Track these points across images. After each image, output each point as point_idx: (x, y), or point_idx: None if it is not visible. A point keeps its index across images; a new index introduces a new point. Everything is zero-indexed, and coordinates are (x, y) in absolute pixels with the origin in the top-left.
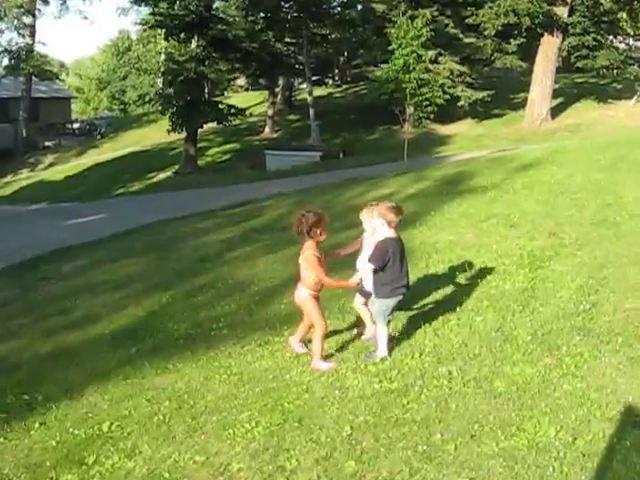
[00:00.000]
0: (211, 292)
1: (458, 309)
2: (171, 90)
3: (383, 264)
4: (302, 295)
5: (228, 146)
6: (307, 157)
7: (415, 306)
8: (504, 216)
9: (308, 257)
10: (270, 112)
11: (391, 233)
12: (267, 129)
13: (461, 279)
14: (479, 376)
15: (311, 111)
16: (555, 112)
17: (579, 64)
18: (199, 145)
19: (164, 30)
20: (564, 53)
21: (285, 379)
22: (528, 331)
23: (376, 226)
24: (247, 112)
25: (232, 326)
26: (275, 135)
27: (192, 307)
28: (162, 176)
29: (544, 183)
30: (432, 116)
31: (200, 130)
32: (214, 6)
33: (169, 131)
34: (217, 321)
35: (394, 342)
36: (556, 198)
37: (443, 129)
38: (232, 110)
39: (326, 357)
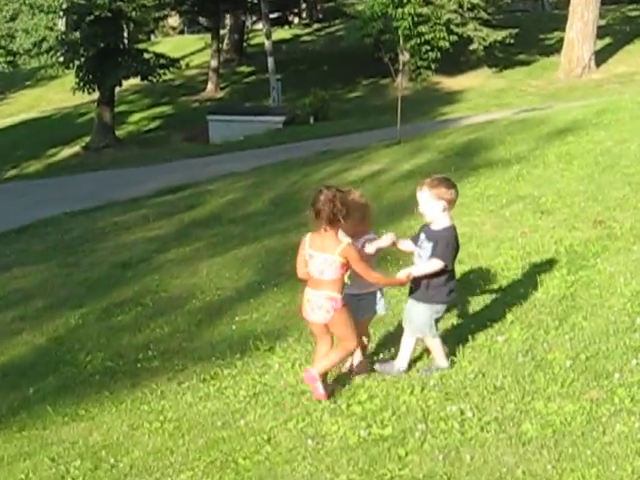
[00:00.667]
0: (137, 310)
1: (473, 326)
2: (77, 34)
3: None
4: (330, 306)
5: (157, 110)
6: (265, 124)
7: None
8: (533, 199)
9: (348, 250)
10: (214, 63)
11: (450, 219)
12: (210, 86)
13: (477, 286)
14: (502, 416)
15: (270, 61)
16: (601, 57)
17: None
18: (117, 109)
19: None
20: None
21: (239, 426)
22: (568, 354)
23: (434, 211)
24: (182, 63)
25: (166, 355)
26: (221, 95)
27: (111, 331)
28: (68, 152)
29: (587, 154)
30: (435, 65)
31: (118, 89)
32: None
33: (75, 90)
34: (145, 349)
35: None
36: (603, 174)
37: (450, 83)
38: (162, 61)
39: (302, 392)
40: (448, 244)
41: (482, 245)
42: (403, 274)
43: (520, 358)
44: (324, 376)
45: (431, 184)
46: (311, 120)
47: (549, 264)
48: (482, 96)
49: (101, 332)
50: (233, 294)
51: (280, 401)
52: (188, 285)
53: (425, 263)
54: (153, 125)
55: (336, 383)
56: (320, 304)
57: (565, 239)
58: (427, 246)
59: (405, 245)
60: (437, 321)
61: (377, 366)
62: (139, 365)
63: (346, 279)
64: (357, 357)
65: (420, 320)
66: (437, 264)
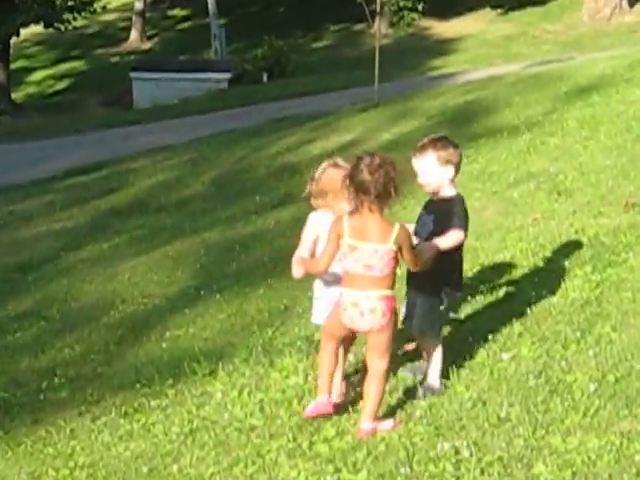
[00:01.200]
0: (39, 325)
1: (471, 340)
2: None
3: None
4: (386, 308)
5: (66, 66)
6: (206, 83)
7: (400, 337)
8: (548, 176)
9: (403, 235)
10: (139, 5)
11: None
12: (134, 35)
13: (476, 288)
14: (508, 455)
15: (210, 1)
16: None
17: None
18: (13, 66)
19: None
20: None
21: (171, 473)
22: (592, 375)
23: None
24: (97, 5)
25: (77, 383)
26: (148, 45)
27: (6, 352)
28: None
29: (617, 118)
30: (423, 5)
31: (15, 40)
32: None
33: None
34: (50, 375)
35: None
36: (638, 143)
37: (443, 28)
38: (70, 2)
39: (252, 428)
40: (463, 214)
41: (483, 236)
42: (427, 247)
43: (531, 381)
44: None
45: (435, 146)
46: (264, 78)
47: (568, 260)
48: (484, 45)
49: None
50: (163, 303)
51: (224, 440)
52: (105, 292)
53: (445, 236)
54: (60, 86)
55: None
56: (373, 306)
57: (589, 227)
58: (427, 220)
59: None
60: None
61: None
62: (42, 396)
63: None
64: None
65: (429, 315)
66: (458, 235)
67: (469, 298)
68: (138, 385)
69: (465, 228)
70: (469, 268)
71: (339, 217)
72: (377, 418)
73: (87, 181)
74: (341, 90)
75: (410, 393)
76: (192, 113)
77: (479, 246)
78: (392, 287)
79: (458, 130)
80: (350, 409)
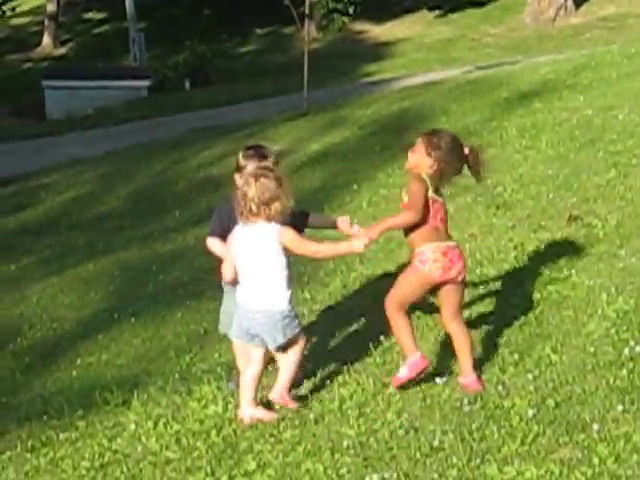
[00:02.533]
0: None
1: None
2: None
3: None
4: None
5: None
6: (123, 91)
7: (319, 356)
8: (486, 189)
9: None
10: (51, 7)
11: None
12: (47, 40)
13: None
14: None
15: (128, 4)
16: None
17: None
18: None
19: None
20: None
21: None
22: (530, 400)
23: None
24: (6, 8)
25: None
26: (62, 51)
27: None
28: None
29: (559, 126)
30: (354, 8)
31: None
32: None
33: None
34: None
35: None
36: (580, 153)
37: (378, 31)
38: None
39: (168, 462)
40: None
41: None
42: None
43: (466, 407)
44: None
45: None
46: (186, 85)
47: (506, 277)
48: (421, 49)
49: None
50: (74, 328)
51: (137, 474)
52: (12, 317)
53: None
54: None
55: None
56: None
57: (528, 242)
58: None
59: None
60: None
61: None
62: None
63: None
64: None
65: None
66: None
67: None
68: (46, 417)
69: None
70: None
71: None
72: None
73: None
74: (268, 98)
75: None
76: (108, 123)
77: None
78: None
79: (391, 140)
80: (271, 439)
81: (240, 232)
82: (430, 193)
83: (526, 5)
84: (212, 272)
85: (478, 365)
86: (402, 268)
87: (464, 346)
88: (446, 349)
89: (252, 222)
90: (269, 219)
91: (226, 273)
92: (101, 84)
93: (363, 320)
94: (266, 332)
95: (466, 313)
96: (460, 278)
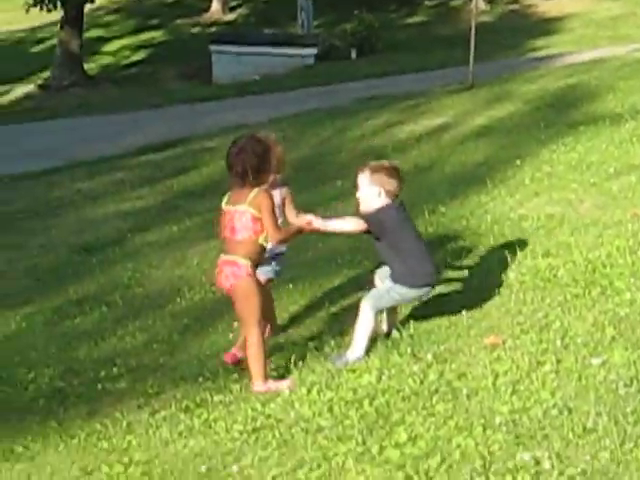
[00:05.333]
0: (101, 311)
1: (559, 343)
2: None
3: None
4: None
5: (143, 37)
6: (290, 58)
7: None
8: None
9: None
10: None
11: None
12: (215, 5)
13: (566, 287)
14: (592, 469)
15: None
16: None
17: None
18: (87, 35)
19: None
20: None
21: (230, 473)
22: None
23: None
24: None
25: (137, 374)
26: (230, 17)
27: (64, 339)
28: (20, 92)
29: None
30: None
31: (89, 7)
32: None
33: (29, 7)
34: (109, 365)
35: None
36: None
37: (546, 6)
38: None
39: (319, 429)
40: (377, 216)
41: (578, 231)
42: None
43: (621, 389)
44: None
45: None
46: (353, 54)
47: None
48: (589, 26)
49: (51, 340)
50: None
51: (288, 440)
52: (172, 278)
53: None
54: (136, 57)
55: None
56: None
57: None
58: None
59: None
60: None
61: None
62: (100, 386)
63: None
64: None
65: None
66: (353, 223)
67: (559, 298)
68: (201, 378)
69: (373, 224)
70: (562, 264)
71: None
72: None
73: (159, 159)
74: (434, 70)
75: None
76: (274, 90)
77: (573, 241)
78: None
79: (556, 116)
80: (423, 412)
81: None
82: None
83: None
84: (370, 241)
85: (636, 349)
86: None
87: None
88: (597, 328)
89: None
90: None
91: None
92: (268, 51)
93: (520, 296)
94: None
95: (626, 295)
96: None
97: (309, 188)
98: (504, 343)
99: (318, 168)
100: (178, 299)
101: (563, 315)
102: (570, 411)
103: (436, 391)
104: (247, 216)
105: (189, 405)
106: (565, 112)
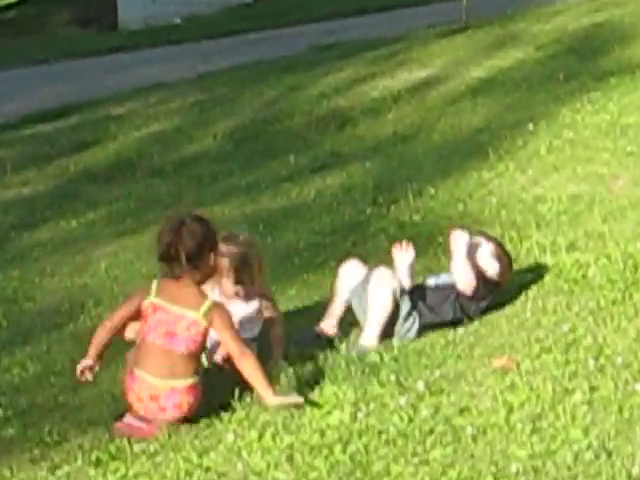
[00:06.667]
0: None
1: (593, 363)
2: None
3: None
4: None
5: None
6: None
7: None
8: None
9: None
10: None
11: None
12: None
13: (600, 288)
14: None
15: None
16: None
17: None
18: None
19: None
20: None
21: None
22: None
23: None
24: None
25: (30, 418)
26: None
27: None
28: None
29: None
30: None
31: None
32: None
33: None
34: None
35: None
36: None
37: None
38: None
39: None
40: None
41: (611, 216)
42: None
43: None
44: None
45: None
46: None
47: None
48: None
49: None
50: None
51: None
52: (73, 289)
53: None
54: None
55: None
56: None
57: None
58: None
59: None
60: None
61: None
62: None
63: None
64: None
65: None
66: None
67: (591, 304)
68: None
69: None
70: (593, 260)
71: None
72: None
73: (51, 131)
74: (415, 6)
75: None
76: (202, 37)
77: (607, 230)
78: None
79: (579, 65)
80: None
81: None
82: None
83: None
84: (336, 234)
85: None
86: None
87: None
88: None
89: None
90: None
91: None
92: None
93: (539, 303)
94: None
95: None
96: None
97: (252, 166)
98: (519, 366)
99: (263, 139)
100: (81, 316)
101: (597, 327)
102: (610, 454)
103: (431, 431)
104: (198, 329)
105: (100, 457)
106: (591, 60)
